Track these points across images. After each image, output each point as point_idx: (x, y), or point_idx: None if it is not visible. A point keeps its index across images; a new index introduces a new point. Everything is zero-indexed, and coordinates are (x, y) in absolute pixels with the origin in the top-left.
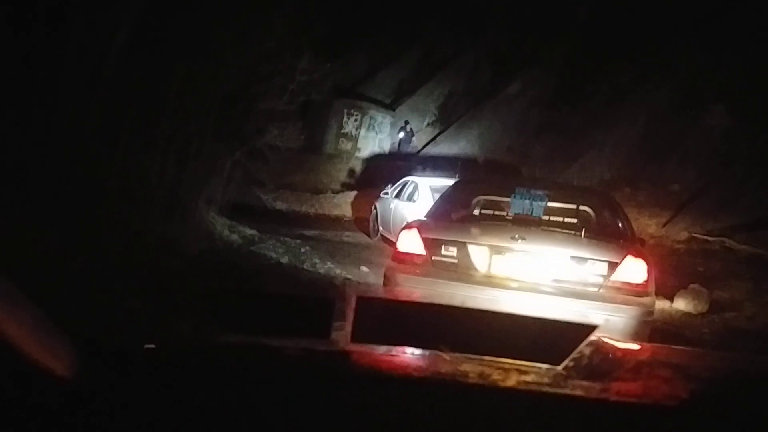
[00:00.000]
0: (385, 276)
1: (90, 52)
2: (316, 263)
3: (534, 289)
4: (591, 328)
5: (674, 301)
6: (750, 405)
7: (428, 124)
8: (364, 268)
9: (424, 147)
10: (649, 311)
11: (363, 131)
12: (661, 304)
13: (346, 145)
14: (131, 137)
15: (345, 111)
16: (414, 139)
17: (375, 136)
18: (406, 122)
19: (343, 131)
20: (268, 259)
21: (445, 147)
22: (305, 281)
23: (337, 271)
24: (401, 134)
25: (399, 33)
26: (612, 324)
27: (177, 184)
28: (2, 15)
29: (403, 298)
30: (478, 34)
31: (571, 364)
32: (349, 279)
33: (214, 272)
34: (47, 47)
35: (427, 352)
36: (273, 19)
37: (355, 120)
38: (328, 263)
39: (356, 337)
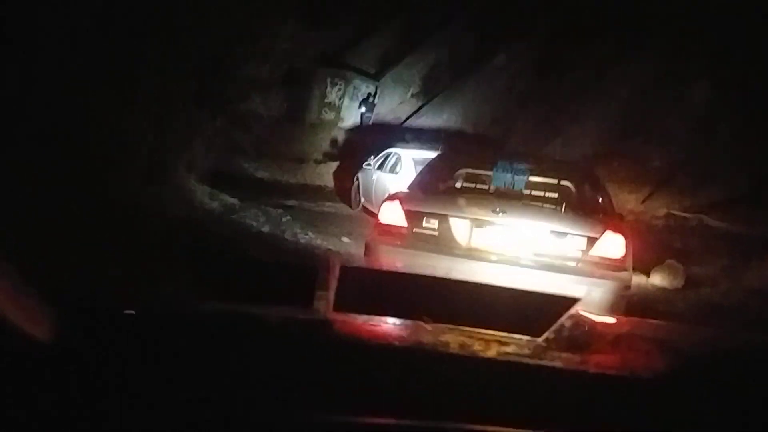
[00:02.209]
0: (366, 246)
1: (71, 7)
2: (297, 233)
3: (514, 262)
4: (572, 301)
5: (651, 276)
6: (724, 378)
7: (412, 95)
8: (345, 239)
9: (407, 119)
10: (626, 285)
11: (347, 101)
12: (638, 279)
13: (329, 115)
14: (111, 98)
15: (328, 80)
16: (372, 111)
17: (358, 107)
18: (369, 94)
19: (326, 101)
20: (249, 228)
21: (429, 119)
22: (286, 251)
23: (318, 241)
24: (363, 108)
25: (384, 2)
26: (590, 297)
27: (157, 148)
28: None
29: (386, 267)
30: (464, 5)
31: (552, 336)
32: (330, 249)
33: (193, 240)
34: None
35: (408, 322)
36: None
37: (339, 89)
38: (309, 233)
39: (339, 306)
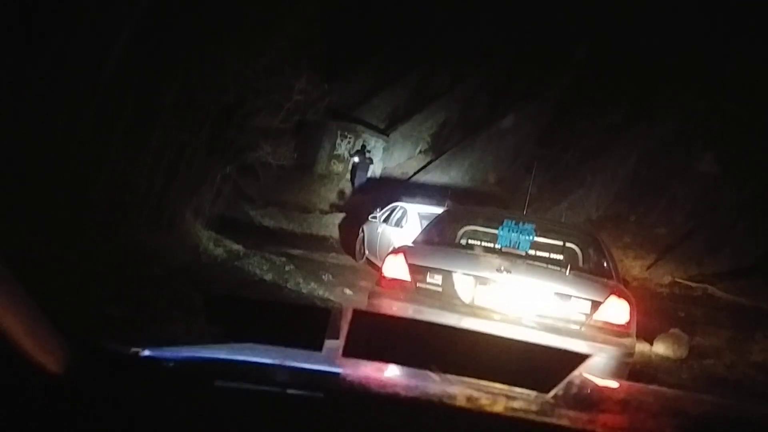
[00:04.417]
0: (369, 300)
1: (89, 56)
2: (299, 282)
3: (517, 323)
4: (582, 357)
5: (654, 345)
6: None
7: (420, 152)
8: (347, 291)
9: (414, 174)
10: (630, 352)
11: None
12: (641, 347)
13: (337, 167)
14: (123, 144)
15: (339, 133)
16: (372, 167)
17: (351, 155)
18: (363, 146)
19: (335, 153)
20: (252, 276)
21: (436, 175)
22: (287, 300)
23: (320, 292)
24: (356, 158)
25: (397, 59)
26: (592, 362)
27: (165, 193)
28: (6, 18)
29: (399, 315)
30: (476, 66)
31: (560, 392)
32: (331, 300)
33: (195, 284)
34: (46, 52)
35: (417, 371)
36: (275, 36)
37: (349, 143)
38: (312, 284)
39: (348, 352)
